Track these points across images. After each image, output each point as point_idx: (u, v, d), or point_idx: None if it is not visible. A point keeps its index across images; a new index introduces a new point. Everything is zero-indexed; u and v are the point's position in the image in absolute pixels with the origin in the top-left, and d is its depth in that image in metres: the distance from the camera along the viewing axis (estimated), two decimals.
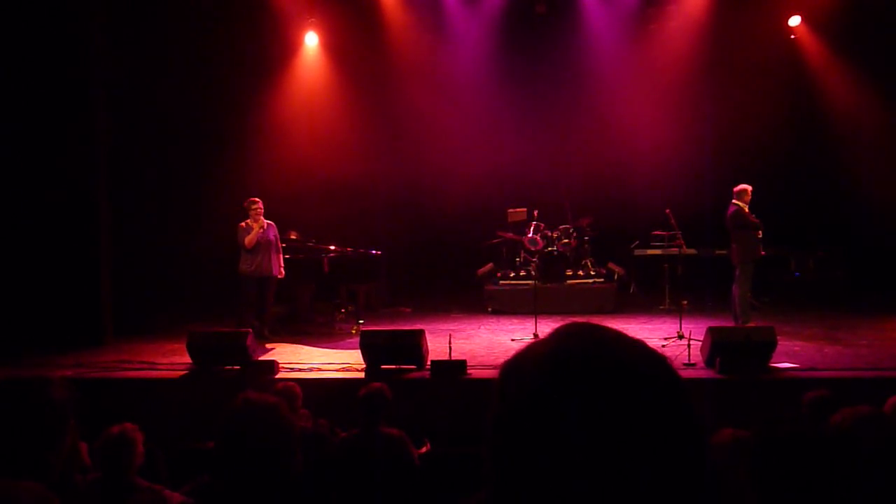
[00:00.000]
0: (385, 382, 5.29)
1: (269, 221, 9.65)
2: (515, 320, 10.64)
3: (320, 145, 12.53)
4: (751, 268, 9.33)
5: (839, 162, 12.42)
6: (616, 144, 13.06)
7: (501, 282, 11.97)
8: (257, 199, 9.55)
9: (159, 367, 8.25)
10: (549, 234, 12.06)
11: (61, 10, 9.59)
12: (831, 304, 11.17)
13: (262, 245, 9.51)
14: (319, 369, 7.97)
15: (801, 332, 9.31)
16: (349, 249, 10.60)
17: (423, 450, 5.61)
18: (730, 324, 9.07)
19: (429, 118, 13.01)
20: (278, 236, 9.76)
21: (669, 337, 8.85)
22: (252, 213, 9.49)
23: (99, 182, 9.89)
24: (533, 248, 11.91)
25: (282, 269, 9.76)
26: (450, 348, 7.84)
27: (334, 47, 12.83)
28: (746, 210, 9.32)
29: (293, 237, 10.81)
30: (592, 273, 11.93)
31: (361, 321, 10.16)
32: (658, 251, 11.64)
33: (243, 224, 9.52)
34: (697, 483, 0.88)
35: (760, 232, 9.30)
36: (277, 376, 7.53)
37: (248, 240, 9.42)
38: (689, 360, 7.70)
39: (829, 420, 3.10)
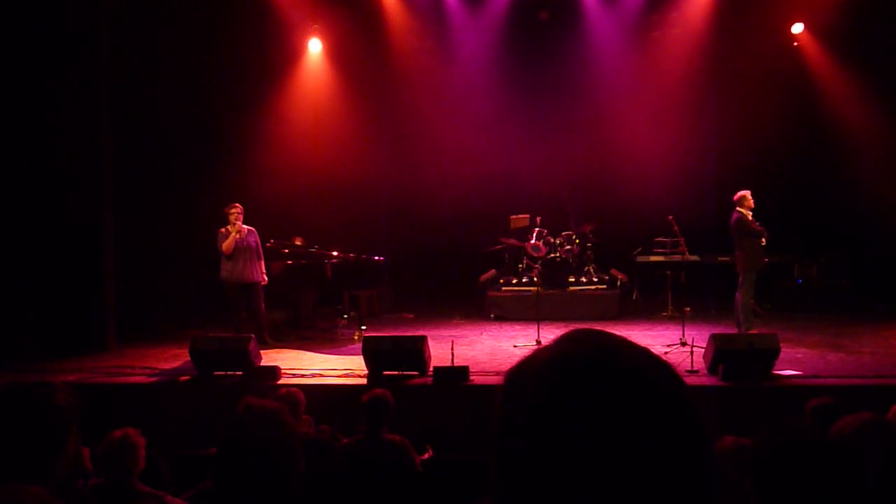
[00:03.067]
0: (387, 388, 5.29)
1: (249, 227, 9.45)
2: (518, 327, 10.63)
3: (323, 151, 12.56)
4: (754, 275, 9.32)
5: (842, 169, 12.41)
6: (619, 151, 13.07)
7: (504, 288, 11.96)
8: (237, 205, 9.34)
9: (162, 372, 8.26)
10: (552, 240, 12.04)
11: (63, 12, 9.61)
12: (834, 312, 11.13)
13: (241, 251, 9.31)
14: (322, 375, 7.95)
15: (805, 340, 9.28)
16: (352, 255, 10.59)
17: (426, 456, 5.60)
18: (733, 331, 9.06)
19: (432, 124, 13.04)
20: (259, 242, 9.56)
21: (672, 344, 8.84)
22: (231, 218, 9.31)
23: (102, 186, 9.87)
24: (535, 255, 11.88)
25: (264, 276, 9.57)
26: (452, 354, 7.83)
27: (338, 54, 12.86)
28: (750, 216, 9.31)
29: (298, 242, 10.80)
30: (595, 279, 11.91)
31: (364, 327, 10.16)
32: (661, 258, 11.63)
33: (223, 230, 9.35)
34: (700, 490, 0.88)
35: (764, 239, 9.29)
36: (280, 382, 7.54)
37: (226, 245, 9.25)
38: (692, 367, 7.66)
39: (832, 427, 3.09)
